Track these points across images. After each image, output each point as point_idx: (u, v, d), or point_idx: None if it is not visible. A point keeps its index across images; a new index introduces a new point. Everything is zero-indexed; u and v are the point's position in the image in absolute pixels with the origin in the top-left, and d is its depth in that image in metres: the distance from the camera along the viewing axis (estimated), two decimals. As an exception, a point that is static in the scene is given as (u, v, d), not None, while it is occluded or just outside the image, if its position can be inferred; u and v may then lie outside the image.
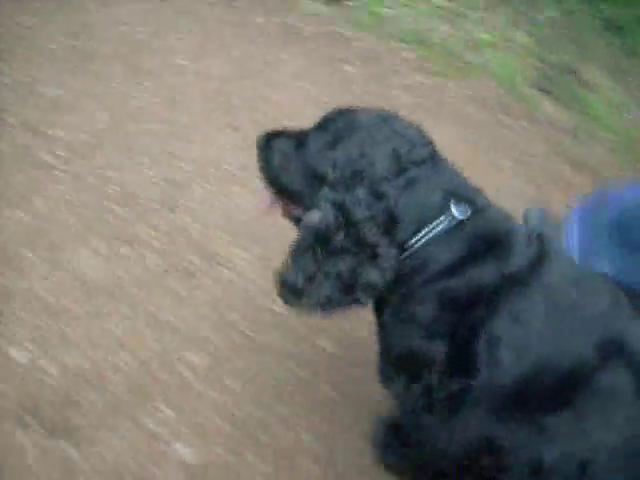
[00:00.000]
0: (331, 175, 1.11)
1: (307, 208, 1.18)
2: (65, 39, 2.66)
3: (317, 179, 1.15)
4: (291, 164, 1.22)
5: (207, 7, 3.09)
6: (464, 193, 1.12)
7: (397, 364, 1.18)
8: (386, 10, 3.28)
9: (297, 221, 1.27)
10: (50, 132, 2.22)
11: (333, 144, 1.14)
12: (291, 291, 1.14)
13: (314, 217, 1.11)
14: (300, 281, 1.12)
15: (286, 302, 1.17)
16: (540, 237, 1.12)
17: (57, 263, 1.80)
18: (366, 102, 2.62)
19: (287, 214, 1.31)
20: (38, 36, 2.65)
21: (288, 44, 2.96)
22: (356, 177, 1.08)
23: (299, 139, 1.23)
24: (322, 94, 2.65)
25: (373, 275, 1.06)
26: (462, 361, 1.05)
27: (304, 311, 1.16)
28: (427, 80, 2.92)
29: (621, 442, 0.96)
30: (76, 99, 2.39)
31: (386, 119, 1.15)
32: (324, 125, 1.20)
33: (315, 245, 1.10)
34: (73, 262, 1.81)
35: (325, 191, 1.11)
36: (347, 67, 2.84)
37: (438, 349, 1.06)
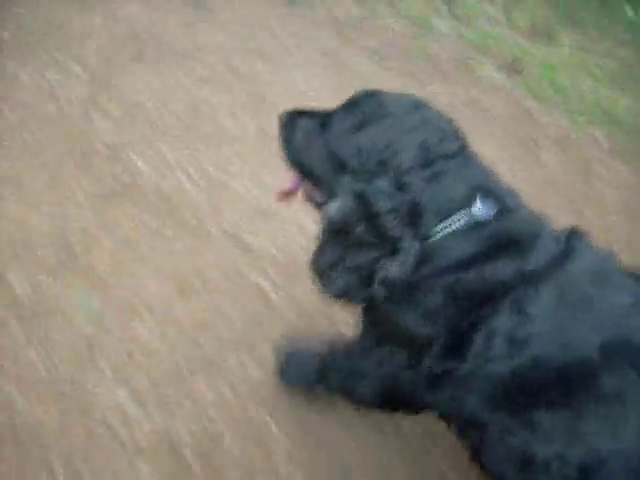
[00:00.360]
0: (354, 163, 1.07)
1: (328, 193, 1.15)
2: (243, 111, 2.36)
3: (339, 164, 1.11)
4: (313, 145, 1.18)
5: (385, 73, 2.75)
6: (494, 191, 1.08)
7: (384, 335, 1.16)
8: (564, 80, 2.95)
9: (319, 207, 1.22)
10: (255, 244, 1.94)
11: (358, 129, 1.09)
12: (316, 275, 1.16)
13: (333, 208, 1.08)
14: (322, 268, 1.13)
15: (315, 283, 1.17)
16: (571, 235, 1.07)
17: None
18: (568, 198, 2.30)
19: (309, 198, 1.26)
20: (217, 112, 2.35)
21: (469, 118, 2.65)
22: (380, 167, 1.04)
23: (324, 119, 1.18)
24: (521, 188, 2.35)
25: (392, 270, 1.02)
26: (456, 347, 1.02)
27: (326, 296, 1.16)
28: (626, 170, 2.61)
29: (632, 452, 0.89)
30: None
31: (417, 106, 1.11)
32: (350, 107, 1.15)
33: (335, 236, 1.09)
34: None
35: (345, 180, 1.07)
36: (544, 155, 2.53)
37: (435, 336, 1.03)
